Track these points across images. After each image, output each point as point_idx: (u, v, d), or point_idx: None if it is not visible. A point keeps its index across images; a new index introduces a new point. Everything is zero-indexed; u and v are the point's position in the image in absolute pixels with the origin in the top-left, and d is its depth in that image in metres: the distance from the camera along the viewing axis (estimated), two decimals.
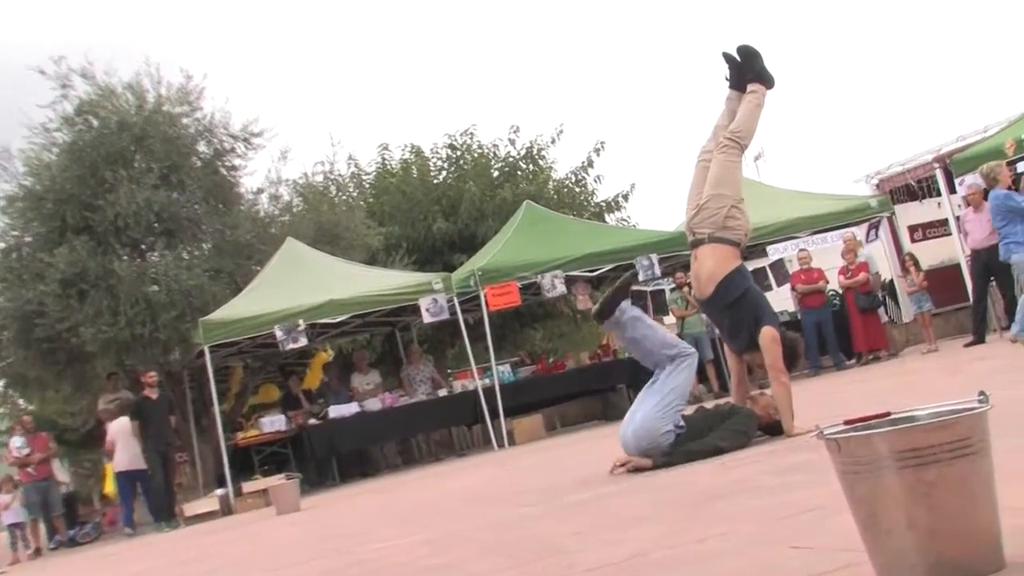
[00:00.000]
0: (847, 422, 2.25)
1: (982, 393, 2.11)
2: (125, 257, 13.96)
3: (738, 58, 6.30)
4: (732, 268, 6.07)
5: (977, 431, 2.02)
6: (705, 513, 3.76)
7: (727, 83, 6.40)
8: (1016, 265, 9.94)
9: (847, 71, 71.00)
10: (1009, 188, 10.20)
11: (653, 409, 5.76)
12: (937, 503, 1.98)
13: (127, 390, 14.80)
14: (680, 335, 14.23)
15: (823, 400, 8.23)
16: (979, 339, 11.90)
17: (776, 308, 14.87)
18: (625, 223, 21.15)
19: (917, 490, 2.00)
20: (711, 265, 6.06)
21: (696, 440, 5.73)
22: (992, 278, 11.99)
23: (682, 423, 5.77)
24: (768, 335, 5.95)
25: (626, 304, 5.95)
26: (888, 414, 2.27)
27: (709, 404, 6.31)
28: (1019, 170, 12.50)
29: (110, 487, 14.25)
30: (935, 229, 16.93)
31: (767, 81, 6.29)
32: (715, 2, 73.80)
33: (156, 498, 12.41)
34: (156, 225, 14.57)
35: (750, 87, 6.27)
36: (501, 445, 13.43)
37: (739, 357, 6.36)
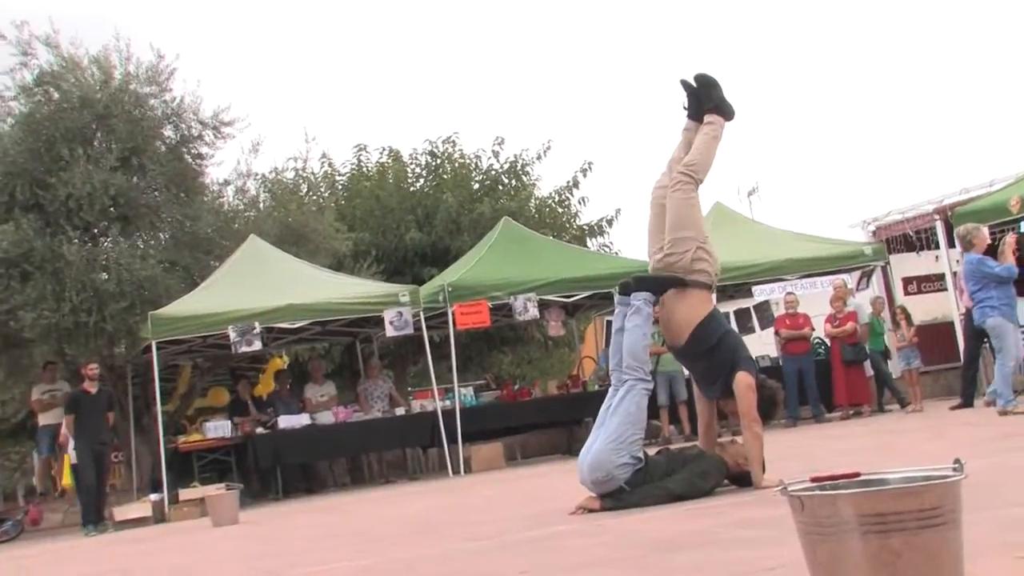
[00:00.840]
0: (813, 479, 2.23)
1: (957, 461, 2.10)
2: (75, 240, 13.78)
3: (695, 85, 6.28)
4: (706, 313, 6.04)
5: (948, 501, 2.01)
6: (658, 564, 3.74)
7: (685, 112, 6.36)
8: (991, 329, 10.08)
9: (854, 110, 71.62)
10: (985, 253, 10.32)
11: (607, 442, 5.76)
12: (900, 573, 1.96)
13: (65, 381, 14.62)
14: (653, 373, 14.25)
15: (796, 453, 8.23)
16: (967, 403, 11.97)
17: (758, 352, 15.03)
18: (607, 249, 21.20)
19: (881, 558, 1.98)
20: (684, 311, 6.01)
21: (654, 483, 5.71)
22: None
23: (640, 455, 5.76)
24: (743, 382, 5.93)
25: (647, 295, 5.96)
26: (858, 474, 2.25)
27: (676, 447, 6.29)
28: (1022, 229, 12.62)
29: (68, 479, 14.14)
30: (930, 283, 17.08)
31: (726, 112, 6.24)
32: (720, 33, 74.38)
33: (85, 499, 12.22)
34: (112, 209, 14.43)
35: (707, 118, 6.23)
36: (457, 472, 13.36)
37: (709, 401, 6.35)
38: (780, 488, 2.19)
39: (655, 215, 6.22)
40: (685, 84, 6.30)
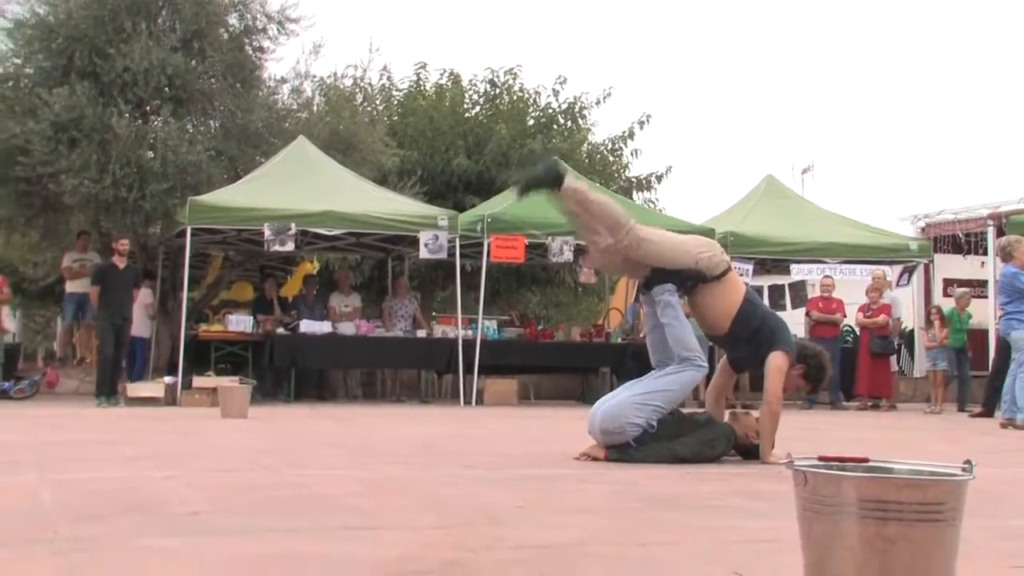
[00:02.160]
0: (821, 458, 2.23)
1: (968, 462, 2.09)
2: (126, 115, 13.84)
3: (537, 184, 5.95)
4: (741, 300, 5.93)
5: (952, 499, 2.00)
6: (656, 518, 3.76)
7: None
8: (1015, 342, 10.01)
9: (925, 103, 70.47)
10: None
11: (633, 397, 5.75)
12: (892, 562, 1.97)
13: (96, 252, 14.79)
14: None
15: (806, 435, 8.22)
16: (988, 412, 11.89)
17: None
18: (651, 205, 21.07)
19: (874, 544, 1.98)
20: (720, 304, 5.93)
21: (661, 443, 5.71)
22: None
23: (655, 424, 5.75)
24: (774, 363, 5.86)
25: (670, 286, 5.88)
26: (866, 460, 2.25)
27: (687, 410, 6.28)
28: None
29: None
30: (972, 288, 16.87)
31: (551, 181, 5.89)
32: (798, 6, 73.11)
33: (101, 370, 12.42)
34: (166, 89, 14.48)
35: (565, 205, 6.04)
36: (468, 403, 13.46)
37: (731, 372, 6.32)
38: (787, 461, 2.19)
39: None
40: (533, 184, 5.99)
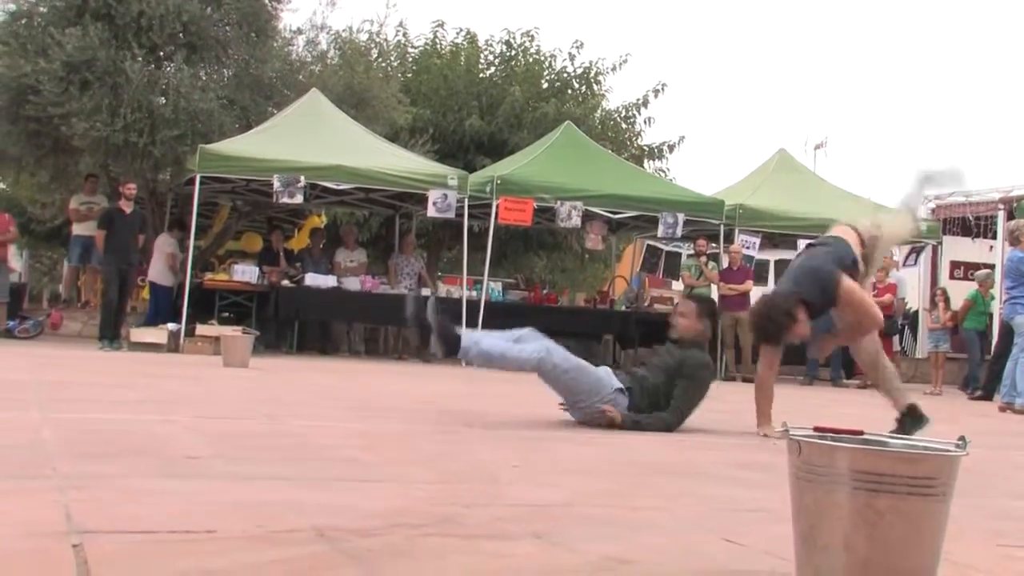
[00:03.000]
0: (816, 428, 2.24)
1: (962, 438, 2.10)
2: (139, 59, 13.81)
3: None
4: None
5: (943, 474, 2.01)
6: (650, 483, 3.79)
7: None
8: (1018, 326, 10.02)
9: (946, 84, 70.03)
10: None
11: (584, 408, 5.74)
12: (880, 534, 1.98)
13: (104, 196, 14.80)
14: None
15: (803, 409, 8.26)
16: (987, 395, 11.91)
17: None
18: (662, 174, 21.02)
19: (864, 515, 1.99)
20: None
21: (658, 414, 5.67)
22: None
23: (620, 385, 5.72)
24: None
25: (469, 342, 5.81)
26: (861, 432, 2.26)
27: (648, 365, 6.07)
28: None
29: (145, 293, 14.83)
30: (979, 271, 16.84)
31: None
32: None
33: (105, 314, 12.46)
34: (181, 35, 14.43)
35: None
36: (470, 363, 13.46)
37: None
38: (782, 430, 2.20)
39: None
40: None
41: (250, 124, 14.59)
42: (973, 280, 15.88)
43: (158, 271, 14.07)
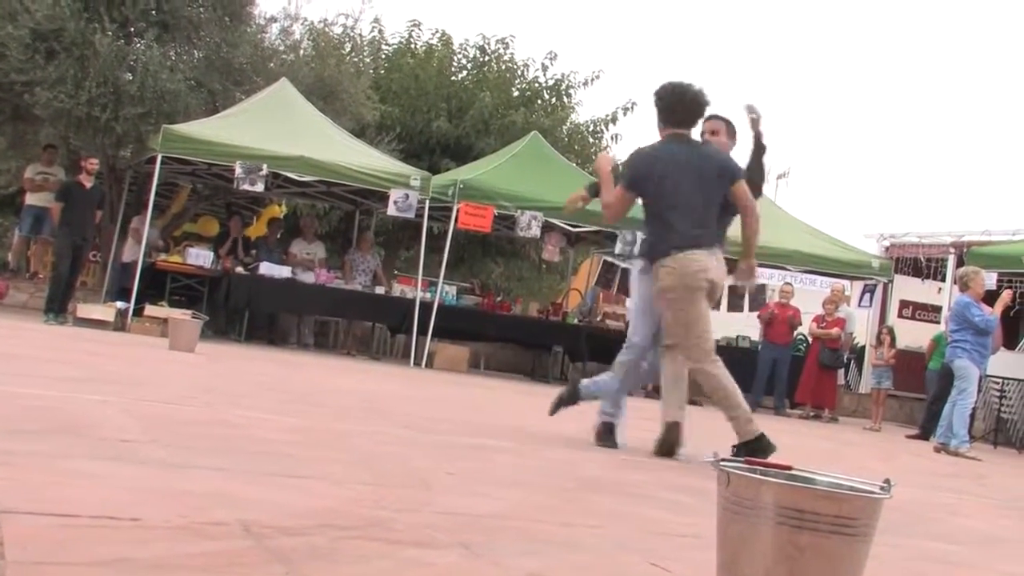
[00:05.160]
0: (747, 461, 2.26)
1: (887, 481, 2.13)
2: (109, 33, 13.65)
3: None
4: None
5: (865, 515, 2.03)
6: (585, 500, 3.79)
7: None
8: (957, 369, 10.17)
9: (908, 126, 70.98)
10: (984, 299, 10.35)
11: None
12: (799, 570, 2.00)
13: (62, 168, 14.60)
14: None
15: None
16: (924, 435, 12.07)
17: (740, 333, 15.09)
18: None
19: (786, 551, 2.01)
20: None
21: None
22: None
23: None
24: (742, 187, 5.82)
25: None
26: (790, 468, 2.28)
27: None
28: None
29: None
30: (926, 313, 17.10)
31: None
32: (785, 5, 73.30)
33: (53, 287, 12.28)
34: (153, 13, 14.30)
35: None
36: (418, 364, 13.46)
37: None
38: (713, 460, 2.22)
39: None
40: None
41: (217, 108, 14.48)
42: (920, 320, 16.16)
43: (133, 250, 13.87)
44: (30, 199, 14.90)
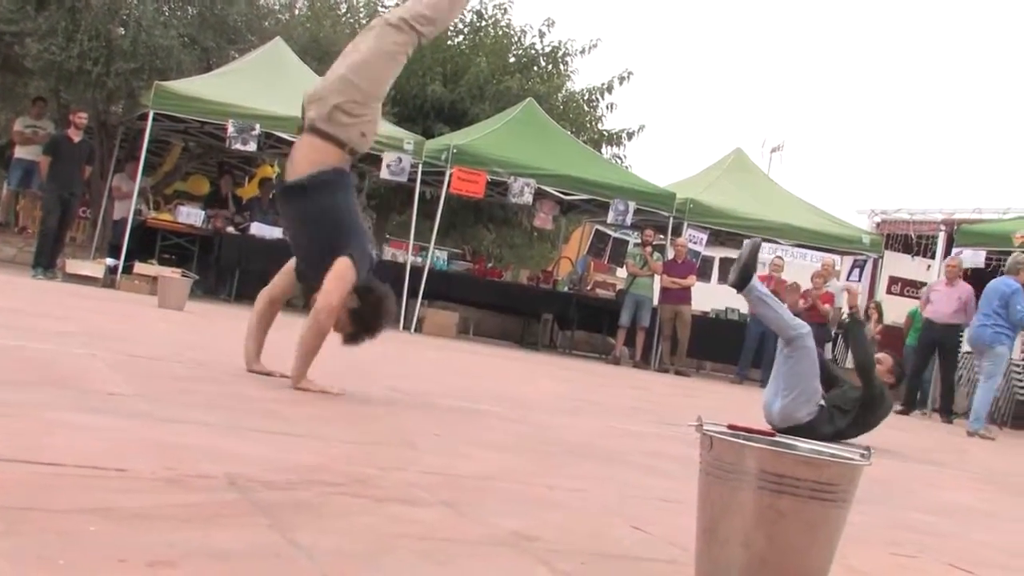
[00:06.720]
0: (730, 426, 2.28)
1: (867, 449, 2.15)
2: None
3: None
4: (332, 164, 5.01)
5: (844, 481, 2.06)
6: (569, 465, 3.82)
7: None
8: (996, 355, 9.97)
9: (906, 103, 70.98)
10: None
11: (788, 401, 6.15)
12: (778, 533, 2.02)
13: (51, 121, 14.51)
14: (626, 292, 14.32)
15: (726, 406, 8.36)
16: (906, 410, 12.14)
17: (730, 306, 15.12)
18: (619, 160, 21.07)
19: (765, 515, 2.04)
20: (307, 152, 5.07)
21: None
22: (938, 356, 12.24)
23: (822, 403, 6.19)
24: (342, 265, 4.86)
25: (756, 281, 6.28)
26: (773, 434, 2.30)
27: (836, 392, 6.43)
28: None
29: None
30: (914, 289, 17.15)
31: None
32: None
33: (42, 242, 12.23)
34: None
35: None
36: (407, 328, 13.48)
37: (297, 285, 5.55)
38: (697, 424, 2.24)
39: (353, 44, 5.16)
40: None
41: (210, 66, 14.41)
42: (908, 297, 16.20)
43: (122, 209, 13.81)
44: (19, 152, 14.80)
